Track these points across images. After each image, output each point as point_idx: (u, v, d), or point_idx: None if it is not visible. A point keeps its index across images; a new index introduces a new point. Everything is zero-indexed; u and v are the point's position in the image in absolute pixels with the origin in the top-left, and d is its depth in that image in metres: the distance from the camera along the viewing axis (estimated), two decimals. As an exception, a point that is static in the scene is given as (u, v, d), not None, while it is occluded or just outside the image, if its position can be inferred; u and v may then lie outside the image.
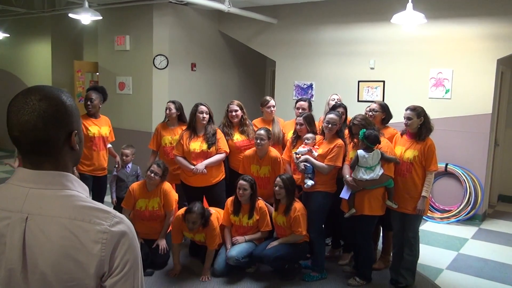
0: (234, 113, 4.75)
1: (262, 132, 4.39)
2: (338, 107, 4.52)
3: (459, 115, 6.13)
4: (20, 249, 1.07)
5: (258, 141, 4.36)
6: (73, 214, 1.09)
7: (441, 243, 5.28)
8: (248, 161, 4.51)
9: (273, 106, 4.89)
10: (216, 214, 4.28)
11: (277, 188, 4.06)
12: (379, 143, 3.85)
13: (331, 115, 4.11)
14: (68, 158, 1.18)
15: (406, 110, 3.89)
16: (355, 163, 3.89)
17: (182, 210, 4.19)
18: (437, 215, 6.15)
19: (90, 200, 1.15)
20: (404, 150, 3.88)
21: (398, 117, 4.57)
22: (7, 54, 10.41)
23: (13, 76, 10.23)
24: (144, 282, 1.20)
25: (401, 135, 4.02)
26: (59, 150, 1.15)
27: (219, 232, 4.24)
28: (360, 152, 3.85)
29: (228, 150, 4.61)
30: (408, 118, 3.85)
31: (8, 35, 9.27)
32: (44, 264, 1.06)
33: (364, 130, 3.84)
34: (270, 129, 4.77)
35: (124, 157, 5.01)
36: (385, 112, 4.37)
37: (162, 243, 4.35)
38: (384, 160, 3.84)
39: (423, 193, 3.80)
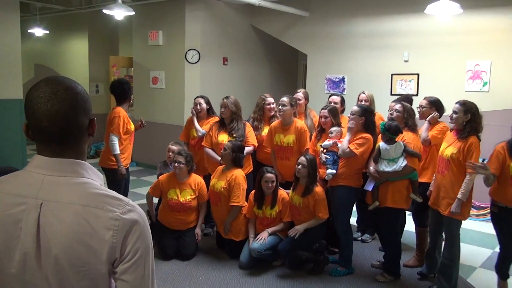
0: (272, 106, 4.81)
1: (284, 98, 4.44)
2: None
3: (497, 109, 5.90)
4: (34, 234, 1.10)
5: (280, 107, 4.41)
6: (86, 201, 1.11)
7: (475, 241, 5.12)
8: (274, 131, 4.53)
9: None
10: (245, 183, 4.34)
11: (300, 166, 4.03)
12: (401, 132, 3.82)
13: (354, 107, 4.08)
14: (85, 145, 1.23)
15: (456, 103, 3.66)
16: (378, 156, 3.84)
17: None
18: (473, 212, 5.96)
19: (103, 188, 1.18)
20: (446, 146, 3.69)
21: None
22: (47, 50, 10.79)
23: (53, 71, 10.59)
24: (155, 270, 1.21)
25: (451, 130, 3.81)
26: (82, 137, 1.20)
27: (243, 191, 4.29)
28: (382, 144, 3.83)
29: (256, 144, 4.64)
30: (454, 112, 3.62)
31: (48, 32, 9.59)
32: (57, 249, 1.08)
33: (384, 123, 3.83)
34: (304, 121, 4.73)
35: (170, 153, 4.80)
36: (433, 107, 4.20)
37: (199, 231, 4.49)
38: (407, 153, 3.79)
39: (458, 195, 3.51)
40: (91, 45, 9.73)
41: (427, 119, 4.20)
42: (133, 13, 6.25)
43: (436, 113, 4.19)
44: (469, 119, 3.56)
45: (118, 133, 4.39)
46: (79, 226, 1.09)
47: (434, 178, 3.90)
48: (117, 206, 1.13)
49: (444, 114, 4.34)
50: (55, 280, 1.10)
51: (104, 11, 6.26)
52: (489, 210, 5.87)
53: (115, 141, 4.38)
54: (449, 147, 3.65)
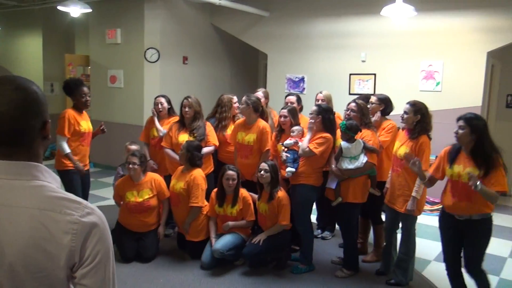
0: (237, 104, 4.88)
1: (243, 97, 4.49)
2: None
3: (450, 108, 6.14)
4: None
5: (239, 105, 4.50)
6: (43, 205, 1.09)
7: (429, 235, 5.32)
8: (237, 128, 4.58)
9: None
10: (204, 183, 4.32)
11: (262, 172, 4.07)
12: (360, 131, 3.95)
13: (312, 107, 4.17)
14: (40, 148, 1.19)
15: (406, 104, 3.80)
16: (339, 155, 3.93)
17: None
18: (427, 207, 6.18)
19: (60, 191, 1.15)
20: (399, 145, 3.83)
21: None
22: (-2, 48, 10.35)
23: (4, 70, 10.16)
24: (115, 273, 1.19)
25: (402, 129, 3.96)
26: (33, 140, 1.15)
27: (202, 192, 4.27)
28: (343, 143, 3.93)
29: (217, 144, 4.64)
30: (404, 113, 3.76)
31: (-1, 28, 9.21)
32: (12, 255, 1.05)
33: (345, 122, 3.92)
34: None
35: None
36: (382, 103, 4.36)
37: (161, 230, 4.48)
38: (366, 149, 3.92)
39: (413, 193, 3.66)
40: (46, 43, 9.40)
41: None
42: (90, 10, 6.12)
43: (378, 114, 4.33)
44: (419, 119, 3.70)
45: (63, 134, 4.29)
46: (36, 231, 1.06)
47: (389, 176, 4.03)
48: (75, 209, 1.11)
49: (397, 113, 4.49)
50: None
51: (59, 7, 6.09)
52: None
53: (61, 141, 4.29)
54: (402, 147, 3.79)
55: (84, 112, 4.52)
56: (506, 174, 3.17)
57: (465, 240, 3.32)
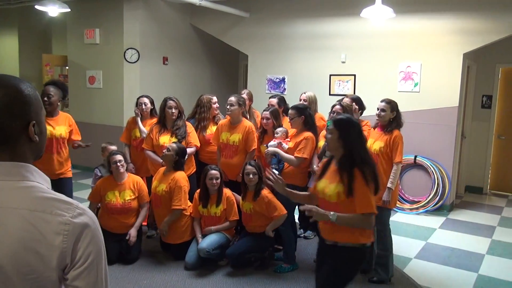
0: (217, 105, 4.89)
1: (232, 98, 4.49)
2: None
3: (427, 108, 6.27)
4: None
5: (228, 106, 4.47)
6: (33, 206, 1.07)
7: (410, 233, 5.41)
8: (221, 129, 4.58)
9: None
10: (187, 184, 4.31)
11: (251, 176, 4.07)
12: None
13: (289, 111, 4.23)
14: (27, 149, 1.15)
15: (382, 102, 3.94)
16: (323, 154, 3.97)
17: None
18: (407, 206, 6.29)
19: (51, 191, 1.13)
20: (373, 142, 3.96)
21: (369, 110, 4.70)
22: (-28, 47, 10.10)
23: (-21, 70, 9.95)
24: (108, 274, 1.19)
25: (374, 128, 4.09)
26: (15, 140, 1.12)
27: (184, 194, 4.24)
28: None
29: (198, 144, 4.63)
30: (382, 110, 3.89)
31: (-27, 28, 8.99)
32: (2, 257, 1.03)
33: (330, 121, 3.95)
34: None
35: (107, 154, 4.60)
36: (356, 104, 4.46)
37: (134, 234, 4.28)
38: None
39: (388, 185, 3.79)
40: (22, 43, 9.23)
41: None
42: (68, 10, 6.02)
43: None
44: (395, 116, 3.92)
45: None
46: (26, 232, 1.05)
47: None
48: (66, 210, 1.09)
49: (372, 113, 4.57)
50: None
51: (37, 7, 5.98)
52: (421, 204, 6.26)
53: None
54: (376, 142, 3.94)
55: (60, 114, 4.24)
56: (375, 192, 2.57)
57: (323, 266, 2.70)
